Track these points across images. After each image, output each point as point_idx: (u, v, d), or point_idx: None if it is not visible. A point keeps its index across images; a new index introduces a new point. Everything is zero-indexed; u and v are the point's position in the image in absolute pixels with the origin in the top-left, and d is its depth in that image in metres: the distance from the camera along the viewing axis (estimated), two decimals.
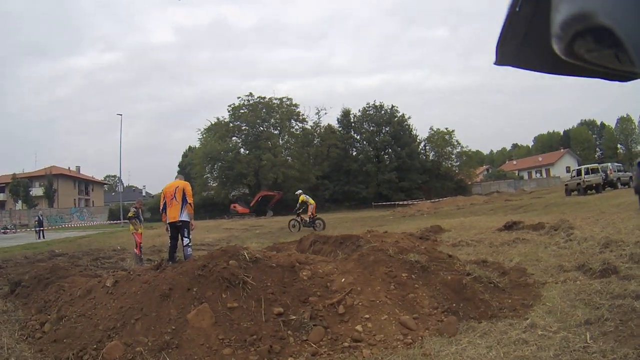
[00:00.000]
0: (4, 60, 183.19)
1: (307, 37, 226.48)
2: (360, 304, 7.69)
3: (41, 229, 44.48)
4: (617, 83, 1.84)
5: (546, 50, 1.73)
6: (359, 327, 7.16)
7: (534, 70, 2.11)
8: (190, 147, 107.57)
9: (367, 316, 7.41)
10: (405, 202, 68.76)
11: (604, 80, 1.82)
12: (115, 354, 6.85)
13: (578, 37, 1.53)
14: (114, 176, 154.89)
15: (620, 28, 1.28)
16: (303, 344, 6.97)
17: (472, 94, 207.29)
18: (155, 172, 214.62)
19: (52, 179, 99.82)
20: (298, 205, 32.29)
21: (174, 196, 13.35)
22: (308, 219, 31.13)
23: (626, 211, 21.24)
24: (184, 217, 13.25)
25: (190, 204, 13.31)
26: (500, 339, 6.54)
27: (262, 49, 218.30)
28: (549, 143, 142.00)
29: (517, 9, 1.76)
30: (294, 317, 7.46)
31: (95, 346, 7.22)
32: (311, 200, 31.97)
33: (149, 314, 7.52)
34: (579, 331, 6.43)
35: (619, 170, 50.32)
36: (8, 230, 63.26)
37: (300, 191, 34.64)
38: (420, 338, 6.94)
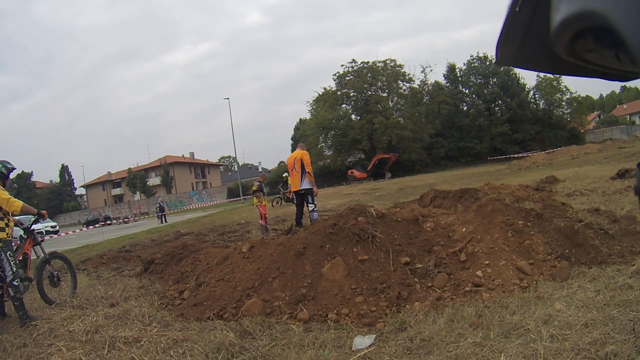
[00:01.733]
0: (103, 68, 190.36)
1: None
2: (480, 251, 7.98)
3: (163, 214, 46.96)
4: None
5: (546, 50, 1.79)
6: (479, 273, 7.47)
7: (534, 70, 2.23)
8: (301, 120, 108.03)
9: (486, 262, 7.71)
10: (520, 155, 66.96)
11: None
12: (254, 310, 7.32)
13: (578, 37, 1.56)
14: (229, 157, 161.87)
15: (621, 28, 1.30)
16: (428, 289, 7.34)
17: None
18: (269, 147, 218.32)
19: (167, 167, 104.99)
20: (282, 183, 36.00)
21: (294, 167, 13.97)
22: (290, 196, 32.27)
23: None
24: (305, 185, 13.89)
25: (308, 172, 13.75)
26: (607, 283, 6.74)
27: (355, 15, 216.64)
28: None
29: (517, 9, 1.79)
30: (420, 266, 7.85)
31: (234, 305, 7.69)
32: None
33: (285, 272, 7.96)
34: None
35: None
36: (129, 219, 65.62)
37: (286, 174, 35.54)
38: (535, 282, 7.20)
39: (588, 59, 1.69)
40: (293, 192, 14.42)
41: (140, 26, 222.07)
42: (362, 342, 5.88)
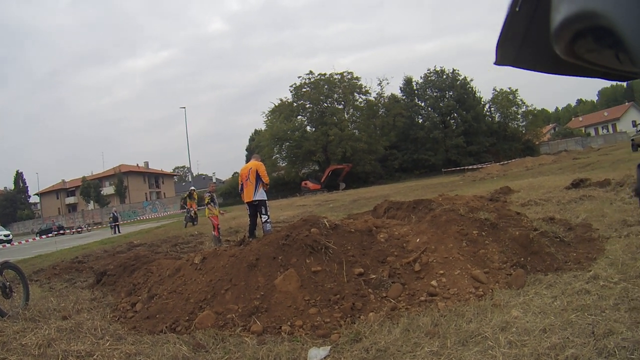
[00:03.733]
0: (63, 71, 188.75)
1: (361, 8, 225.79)
2: (434, 261, 8.03)
3: (116, 224, 45.63)
4: None
5: (546, 50, 1.78)
6: (434, 282, 7.51)
7: (534, 70, 2.16)
8: (256, 130, 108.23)
9: (441, 272, 7.74)
10: (474, 167, 67.78)
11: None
12: (207, 323, 7.24)
13: (578, 37, 1.54)
14: (183, 167, 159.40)
15: (620, 28, 1.28)
16: (383, 300, 7.34)
17: None
18: (224, 158, 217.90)
19: (121, 176, 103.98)
20: (183, 202, 36.40)
21: (248, 177, 13.86)
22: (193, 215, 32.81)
23: None
24: (259, 197, 13.83)
25: (266, 183, 13.87)
26: (564, 289, 6.85)
27: (317, 26, 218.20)
28: (613, 97, 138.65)
29: (517, 9, 1.78)
30: (374, 276, 7.84)
31: (187, 317, 7.63)
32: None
33: (237, 284, 7.94)
34: (639, 282, 6.63)
35: None
36: (83, 229, 64.84)
37: (193, 187, 37.12)
38: (490, 290, 7.26)
39: (588, 59, 1.68)
40: (246, 202, 14.27)
41: (103, 30, 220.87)
42: (317, 353, 5.87)
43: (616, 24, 1.28)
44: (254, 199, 13.90)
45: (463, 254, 8.27)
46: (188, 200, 29.43)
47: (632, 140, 47.85)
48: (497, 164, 64.51)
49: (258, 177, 13.84)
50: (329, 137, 79.34)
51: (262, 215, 13.94)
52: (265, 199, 14.02)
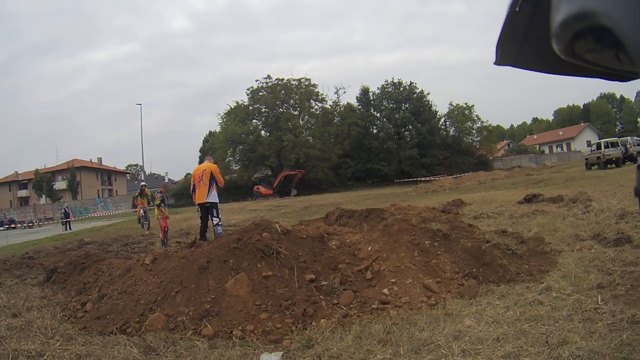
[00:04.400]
0: (19, 59, 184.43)
1: (326, 16, 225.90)
2: (386, 269, 8.01)
3: (67, 220, 45.31)
4: None
5: (546, 50, 1.78)
6: (385, 291, 7.48)
7: (534, 70, 2.20)
8: (211, 132, 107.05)
9: (393, 280, 7.72)
10: (427, 178, 68.66)
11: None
12: (157, 325, 7.12)
13: (578, 37, 1.57)
14: (136, 165, 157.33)
15: (620, 28, 1.31)
16: (334, 307, 7.30)
17: (492, 69, 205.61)
18: (178, 158, 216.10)
19: (74, 171, 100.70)
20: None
21: (202, 178, 13.68)
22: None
23: None
24: (211, 199, 13.68)
25: (218, 185, 13.77)
26: (517, 300, 6.90)
27: (280, 31, 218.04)
28: (569, 117, 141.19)
29: (517, 9, 1.80)
30: (325, 283, 7.80)
31: (137, 319, 7.48)
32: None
33: (188, 286, 7.83)
34: (591, 294, 6.71)
35: (638, 144, 49.22)
36: (34, 224, 63.87)
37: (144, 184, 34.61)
38: (442, 300, 7.27)
39: (588, 59, 1.70)
40: (198, 204, 14.05)
41: (65, 18, 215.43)
42: (269, 359, 5.84)
43: (616, 24, 1.31)
44: (206, 201, 13.77)
45: (415, 263, 8.30)
46: (139, 199, 28.00)
47: (586, 159, 49.35)
48: (450, 176, 65.97)
49: (212, 179, 13.75)
50: (283, 142, 79.61)
51: (213, 218, 13.83)
52: (217, 201, 13.95)
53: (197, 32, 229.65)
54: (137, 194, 26.98)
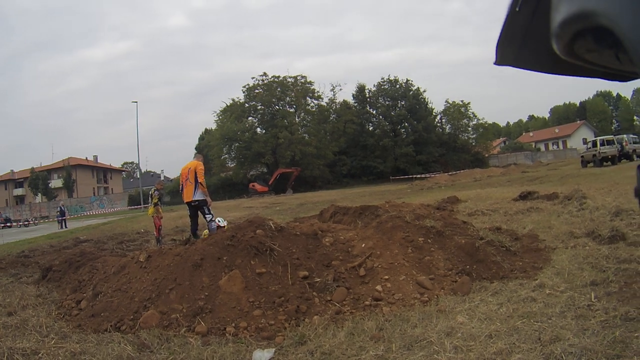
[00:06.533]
0: (15, 57, 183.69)
1: (325, 13, 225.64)
2: (379, 266, 8.02)
3: (63, 218, 45.17)
4: None
5: (546, 50, 1.76)
6: (378, 287, 7.48)
7: (534, 70, 2.17)
8: (206, 130, 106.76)
9: (386, 277, 7.73)
10: (422, 176, 68.88)
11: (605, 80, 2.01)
12: (151, 322, 7.11)
13: (578, 37, 1.54)
14: (132, 163, 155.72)
15: (620, 28, 1.28)
16: (327, 303, 7.31)
17: (489, 66, 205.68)
18: (174, 156, 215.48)
19: (70, 169, 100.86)
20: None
21: (188, 177, 13.84)
22: None
23: None
24: (198, 197, 13.79)
25: (201, 183, 13.73)
26: (510, 297, 6.91)
27: (278, 28, 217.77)
28: (565, 115, 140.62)
29: (517, 9, 1.78)
30: (319, 280, 7.79)
31: (132, 316, 7.48)
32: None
33: (182, 283, 7.81)
34: (585, 291, 6.72)
35: (634, 142, 50.21)
36: (30, 222, 63.74)
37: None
38: (435, 296, 7.29)
39: (588, 59, 1.68)
40: (186, 202, 14.24)
41: (66, 15, 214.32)
42: (262, 356, 5.84)
43: (616, 24, 1.29)
44: (193, 199, 13.87)
45: (408, 260, 8.33)
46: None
47: (582, 156, 49.98)
48: (446, 174, 66.20)
49: (196, 178, 13.82)
50: (278, 139, 79.53)
51: (205, 215, 13.91)
52: (204, 198, 14.04)
53: (194, 30, 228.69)
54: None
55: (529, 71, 2.17)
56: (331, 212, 16.68)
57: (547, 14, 1.61)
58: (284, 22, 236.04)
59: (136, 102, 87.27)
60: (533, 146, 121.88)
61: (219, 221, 14.04)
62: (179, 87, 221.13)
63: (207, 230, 13.68)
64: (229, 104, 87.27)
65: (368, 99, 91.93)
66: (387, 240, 8.91)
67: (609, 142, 47.15)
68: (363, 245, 8.80)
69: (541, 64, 2.04)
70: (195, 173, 13.77)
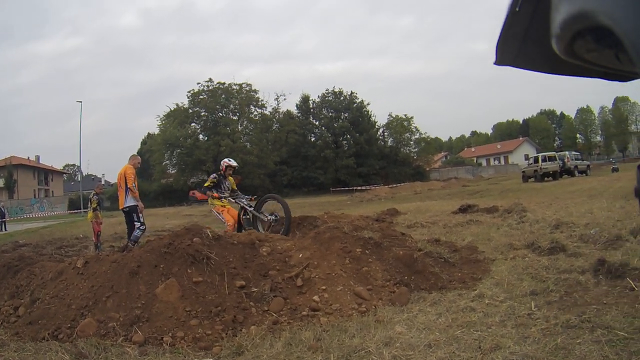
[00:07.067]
0: None
1: (275, 22, 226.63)
2: (317, 276, 8.01)
3: (3, 220, 44.87)
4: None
5: (546, 50, 1.81)
6: (316, 298, 7.47)
7: (534, 70, 2.21)
8: (149, 134, 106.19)
9: (323, 287, 7.73)
10: (363, 188, 69.71)
11: (596, 79, 1.95)
12: (89, 331, 6.99)
13: (578, 37, 1.58)
14: (73, 165, 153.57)
15: (620, 28, 1.31)
16: (264, 313, 7.24)
17: (434, 82, 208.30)
18: (116, 160, 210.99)
19: (12, 169, 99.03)
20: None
21: (119, 182, 13.70)
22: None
23: (580, 197, 22.12)
24: (128, 203, 13.59)
25: (130, 188, 13.48)
26: (449, 307, 6.91)
27: (228, 34, 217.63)
28: (508, 131, 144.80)
29: (517, 9, 1.83)
30: (255, 290, 7.74)
31: (69, 325, 7.34)
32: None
33: (119, 291, 7.70)
34: (525, 300, 6.78)
35: (576, 159, 53.27)
36: None
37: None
38: (374, 307, 7.27)
39: (588, 59, 1.71)
40: (120, 209, 13.99)
41: (15, 5, 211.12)
42: None
43: (616, 23, 1.32)
44: (124, 205, 13.65)
45: (346, 270, 8.34)
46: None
47: (523, 172, 52.68)
48: (386, 186, 67.69)
49: (126, 183, 13.55)
50: (220, 147, 79.39)
51: (134, 222, 13.62)
52: (135, 204, 13.81)
53: (144, 30, 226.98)
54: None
55: (529, 71, 2.24)
56: None
57: (547, 14, 1.65)
58: (235, 29, 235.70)
59: (81, 102, 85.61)
60: (475, 161, 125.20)
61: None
62: (126, 89, 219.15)
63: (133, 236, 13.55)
64: (172, 109, 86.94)
65: (311, 110, 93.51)
66: (325, 251, 8.95)
67: (551, 159, 49.25)
68: (300, 256, 8.80)
69: (541, 63, 2.09)
70: (125, 178, 13.55)
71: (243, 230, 12.67)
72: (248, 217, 13.60)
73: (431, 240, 11.73)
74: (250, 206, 13.54)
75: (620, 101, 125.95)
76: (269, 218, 12.89)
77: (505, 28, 1.92)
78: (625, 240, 10.16)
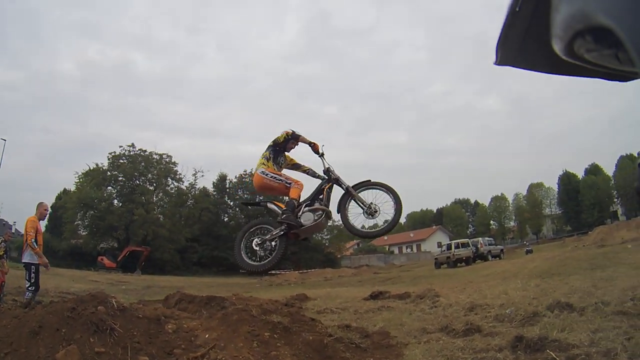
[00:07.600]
0: None
1: (207, 95, 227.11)
2: (223, 358, 7.79)
3: None
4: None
5: (546, 50, 1.80)
6: None
7: (534, 70, 2.20)
8: (65, 190, 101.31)
9: None
10: (272, 272, 69.10)
11: (592, 80, 1.98)
12: None
13: (578, 37, 1.57)
14: None
15: (620, 28, 1.31)
16: None
17: (352, 170, 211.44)
18: (30, 209, 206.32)
19: None
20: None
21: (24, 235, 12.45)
22: None
23: (494, 279, 22.57)
24: (25, 259, 12.45)
25: (28, 243, 12.39)
26: None
27: (161, 101, 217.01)
28: (421, 220, 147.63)
29: (517, 9, 1.82)
30: None
31: None
32: None
33: (18, 350, 7.36)
34: None
35: (490, 244, 56.17)
36: None
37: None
38: None
39: (588, 59, 1.71)
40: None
41: None
42: None
43: (616, 24, 1.31)
44: (23, 261, 12.58)
45: (254, 354, 8.18)
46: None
47: (436, 258, 54.77)
48: (296, 271, 68.47)
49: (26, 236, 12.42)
50: (133, 216, 78.87)
51: (25, 280, 12.55)
52: (30, 261, 12.45)
53: (81, 81, 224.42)
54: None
55: (529, 71, 2.24)
56: (177, 299, 16.28)
57: (547, 14, 1.65)
58: (167, 98, 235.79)
59: (5, 140, 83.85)
60: (387, 249, 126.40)
61: None
62: (53, 137, 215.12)
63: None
64: (92, 168, 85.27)
65: (227, 190, 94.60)
66: (232, 333, 8.81)
67: (464, 245, 51.52)
68: (207, 336, 8.70)
69: (541, 64, 2.09)
70: (26, 232, 12.49)
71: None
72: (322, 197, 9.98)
73: (342, 325, 11.73)
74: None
75: (534, 187, 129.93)
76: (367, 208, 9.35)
77: (506, 28, 1.91)
78: (542, 315, 10.27)
